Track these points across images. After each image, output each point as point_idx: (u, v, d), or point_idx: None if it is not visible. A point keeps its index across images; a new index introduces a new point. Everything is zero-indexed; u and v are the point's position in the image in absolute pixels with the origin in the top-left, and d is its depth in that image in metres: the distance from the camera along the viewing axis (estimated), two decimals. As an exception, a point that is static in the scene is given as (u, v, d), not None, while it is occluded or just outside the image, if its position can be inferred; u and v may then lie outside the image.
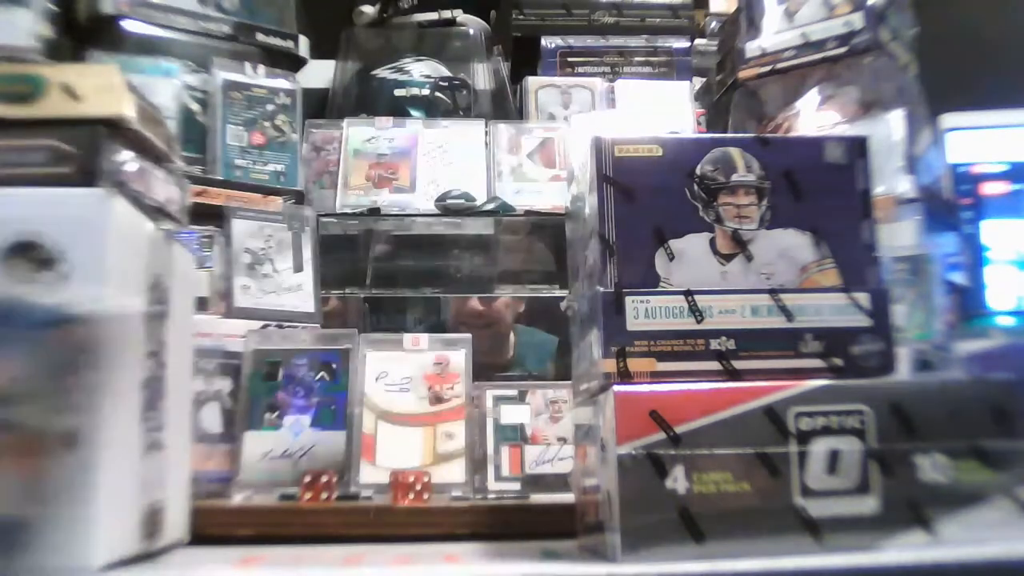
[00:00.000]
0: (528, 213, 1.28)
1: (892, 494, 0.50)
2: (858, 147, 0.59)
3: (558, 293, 1.41)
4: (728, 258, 0.57)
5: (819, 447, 0.50)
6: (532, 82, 1.42)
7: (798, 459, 0.50)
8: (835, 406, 0.51)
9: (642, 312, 0.54)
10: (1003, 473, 0.50)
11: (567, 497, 0.69)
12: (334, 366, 0.93)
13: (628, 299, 0.54)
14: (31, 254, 0.50)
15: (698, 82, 1.50)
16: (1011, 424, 0.51)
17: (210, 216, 1.09)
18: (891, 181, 1.06)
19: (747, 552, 0.47)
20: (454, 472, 0.88)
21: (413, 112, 1.39)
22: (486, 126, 1.34)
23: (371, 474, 0.87)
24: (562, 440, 0.91)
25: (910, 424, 0.51)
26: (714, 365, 0.54)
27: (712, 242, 0.57)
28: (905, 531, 0.49)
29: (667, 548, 0.48)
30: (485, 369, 1.52)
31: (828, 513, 0.49)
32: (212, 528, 0.70)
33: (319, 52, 1.44)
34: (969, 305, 1.02)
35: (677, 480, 0.49)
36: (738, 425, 0.50)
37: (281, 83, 1.28)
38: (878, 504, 0.49)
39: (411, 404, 0.92)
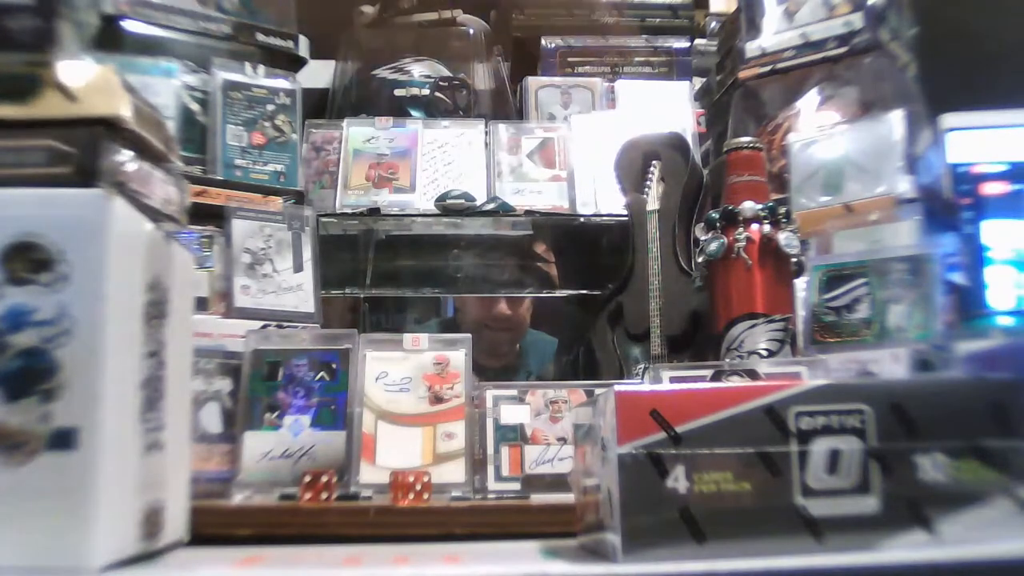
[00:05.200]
0: (528, 213, 1.28)
1: (892, 494, 0.50)
2: None
3: (559, 294, 1.42)
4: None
5: (819, 447, 0.50)
6: (532, 82, 1.42)
7: (798, 459, 0.50)
8: (835, 405, 0.51)
9: None
10: (1003, 472, 0.50)
11: (567, 497, 0.69)
12: (334, 366, 0.93)
13: None
14: (30, 254, 0.50)
15: (698, 82, 1.50)
16: (1011, 423, 0.51)
17: (210, 216, 1.09)
18: (891, 181, 1.06)
19: (748, 552, 0.47)
20: (454, 472, 0.88)
21: (413, 112, 1.39)
22: (486, 126, 1.34)
23: (371, 474, 0.87)
24: (562, 440, 0.91)
25: (910, 424, 0.51)
26: None
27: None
28: (905, 531, 0.49)
29: (668, 548, 0.48)
30: (497, 372, 1.54)
31: (829, 513, 0.49)
32: (212, 528, 0.70)
33: (319, 52, 1.44)
34: (969, 305, 1.02)
35: (678, 480, 0.49)
36: (738, 424, 0.50)
37: (281, 83, 1.28)
38: (878, 503, 0.49)
39: (411, 404, 0.92)
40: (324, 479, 0.82)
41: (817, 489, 0.49)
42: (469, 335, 0.97)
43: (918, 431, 0.51)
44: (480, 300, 1.53)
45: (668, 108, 1.38)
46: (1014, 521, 0.50)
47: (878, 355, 0.87)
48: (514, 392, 0.94)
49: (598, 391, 0.73)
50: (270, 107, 1.26)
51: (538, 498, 0.86)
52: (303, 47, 1.37)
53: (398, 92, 1.40)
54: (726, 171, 1.00)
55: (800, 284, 0.97)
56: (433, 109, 1.40)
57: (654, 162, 1.17)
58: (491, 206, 1.26)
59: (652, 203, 1.15)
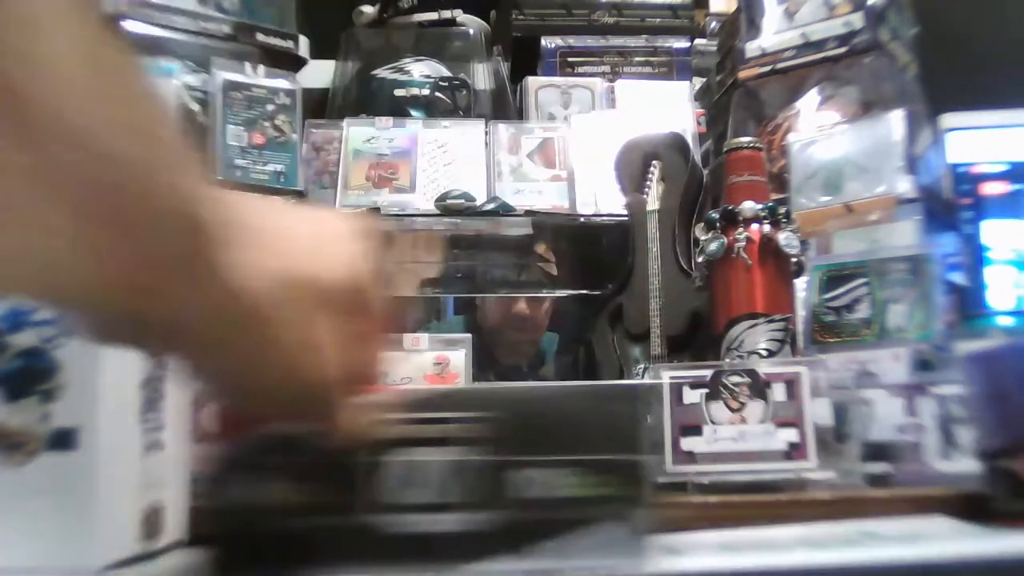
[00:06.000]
0: (528, 213, 1.28)
1: (504, 508, 0.45)
2: None
3: (559, 294, 1.42)
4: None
5: (415, 457, 0.45)
6: (532, 82, 1.42)
7: (389, 471, 0.45)
8: (451, 413, 0.46)
9: None
10: (624, 488, 0.46)
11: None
12: (334, 366, 0.92)
13: None
14: (31, 254, 0.50)
15: (698, 82, 1.50)
16: (635, 437, 0.47)
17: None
18: (891, 181, 1.06)
19: (341, 571, 0.43)
20: (454, 472, 0.88)
21: (413, 112, 1.39)
22: (486, 126, 1.34)
23: (371, 474, 0.87)
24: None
25: (529, 435, 0.46)
26: None
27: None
28: (519, 547, 0.45)
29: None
30: (523, 372, 1.54)
31: (428, 529, 0.44)
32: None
33: (319, 52, 1.44)
34: (969, 305, 1.02)
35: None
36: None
37: (281, 83, 1.28)
38: (486, 519, 0.45)
39: (411, 404, 0.92)
40: (324, 479, 0.82)
41: (409, 504, 0.44)
42: (469, 335, 0.97)
43: (537, 443, 0.46)
44: (499, 301, 1.54)
45: (668, 108, 1.38)
46: (634, 538, 0.46)
47: (878, 355, 0.87)
48: (514, 392, 0.94)
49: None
50: (270, 107, 1.26)
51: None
52: (303, 47, 1.37)
53: (398, 92, 1.40)
54: (726, 171, 1.00)
55: (800, 284, 0.97)
56: (433, 109, 1.40)
57: (654, 162, 1.17)
58: (491, 206, 1.26)
59: (652, 203, 1.15)
